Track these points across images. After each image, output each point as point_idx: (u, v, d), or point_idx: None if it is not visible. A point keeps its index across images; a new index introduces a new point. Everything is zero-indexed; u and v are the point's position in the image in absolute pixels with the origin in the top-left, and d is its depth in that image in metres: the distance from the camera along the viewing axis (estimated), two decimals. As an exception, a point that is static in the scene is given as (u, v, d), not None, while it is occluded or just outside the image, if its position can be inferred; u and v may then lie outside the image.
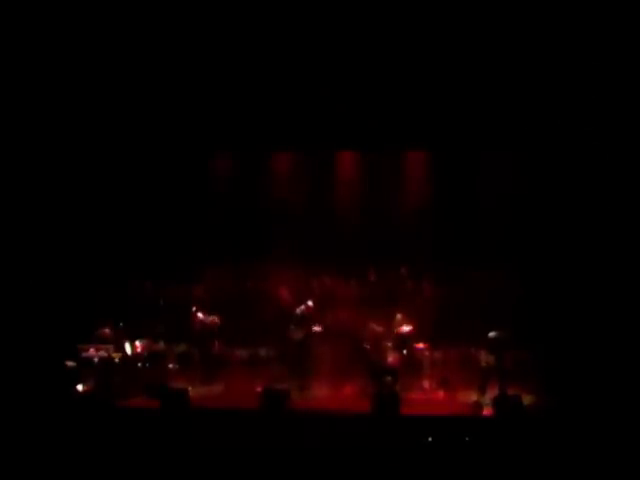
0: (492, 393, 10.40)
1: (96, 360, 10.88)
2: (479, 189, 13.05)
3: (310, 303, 12.04)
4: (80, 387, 10.62)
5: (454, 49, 11.72)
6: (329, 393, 11.06)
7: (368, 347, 11.33)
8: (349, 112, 12.49)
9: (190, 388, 10.45)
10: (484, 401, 10.35)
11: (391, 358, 11.17)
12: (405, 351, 11.32)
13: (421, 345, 11.58)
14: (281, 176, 13.66)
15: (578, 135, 11.88)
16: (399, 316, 11.54)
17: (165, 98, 12.54)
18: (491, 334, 10.93)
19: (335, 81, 12.18)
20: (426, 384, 11.51)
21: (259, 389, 10.17)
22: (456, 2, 11.35)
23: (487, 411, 10.02)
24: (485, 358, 10.90)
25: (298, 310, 11.98)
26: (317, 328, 11.82)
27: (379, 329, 11.58)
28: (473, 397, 10.54)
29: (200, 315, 12.07)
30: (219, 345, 12.00)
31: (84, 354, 10.91)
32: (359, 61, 11.95)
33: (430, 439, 8.58)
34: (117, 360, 11.14)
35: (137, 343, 11.55)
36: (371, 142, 12.99)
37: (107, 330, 11.27)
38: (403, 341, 11.35)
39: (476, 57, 11.76)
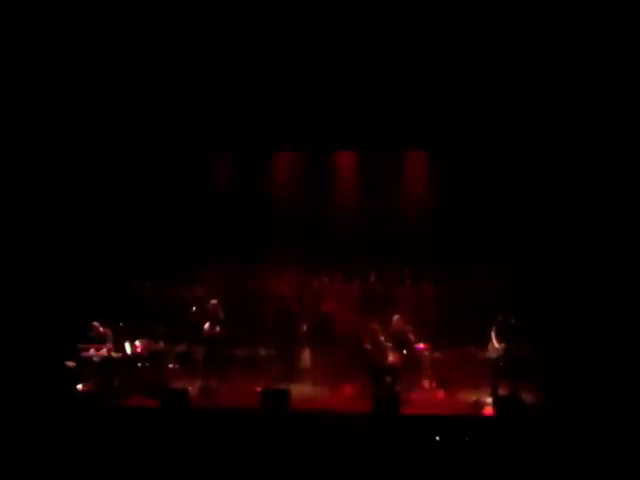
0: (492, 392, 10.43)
1: (96, 360, 10.88)
2: (478, 189, 13.07)
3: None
4: (80, 387, 10.62)
5: (453, 49, 11.74)
6: (329, 393, 11.07)
7: (368, 347, 11.32)
8: (348, 112, 12.51)
9: (190, 388, 10.46)
10: (487, 400, 10.34)
11: (391, 358, 11.16)
12: (405, 351, 11.32)
13: (421, 345, 11.58)
14: (281, 176, 13.67)
15: (577, 134, 11.91)
16: (396, 317, 11.54)
17: (165, 99, 12.56)
18: (500, 318, 10.84)
19: (334, 81, 12.19)
20: (426, 384, 11.53)
21: (259, 389, 10.16)
22: (455, 3, 11.36)
23: (487, 411, 10.02)
24: (494, 348, 10.75)
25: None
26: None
27: (379, 329, 11.57)
28: (473, 397, 10.53)
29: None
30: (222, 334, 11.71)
31: (84, 354, 10.91)
32: (359, 61, 11.96)
33: (438, 438, 8.56)
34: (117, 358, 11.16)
35: (137, 343, 11.54)
36: (370, 142, 13.01)
37: (101, 328, 11.21)
38: (402, 341, 11.35)
39: (475, 57, 11.78)
